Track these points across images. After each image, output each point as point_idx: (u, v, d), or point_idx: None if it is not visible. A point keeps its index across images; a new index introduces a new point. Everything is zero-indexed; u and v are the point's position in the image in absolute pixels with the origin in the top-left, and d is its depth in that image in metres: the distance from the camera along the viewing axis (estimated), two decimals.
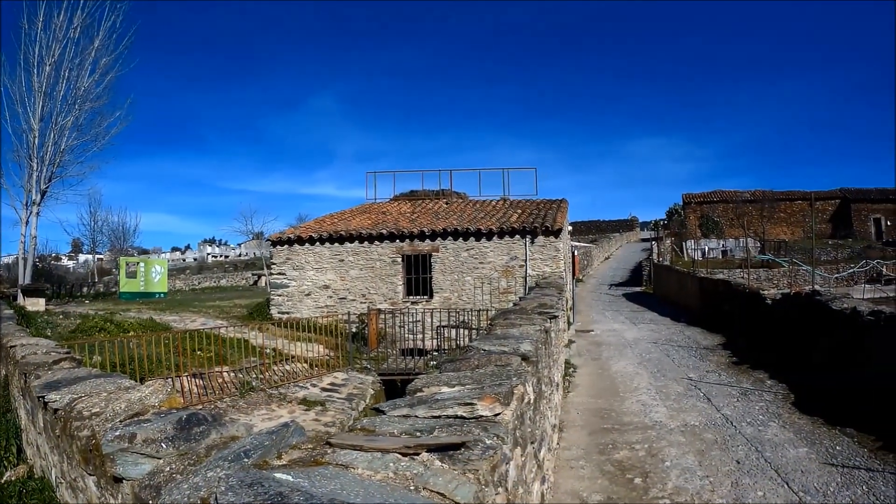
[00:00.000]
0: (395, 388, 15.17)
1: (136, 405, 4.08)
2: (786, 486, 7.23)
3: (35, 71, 29.62)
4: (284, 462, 2.72)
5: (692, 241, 48.02)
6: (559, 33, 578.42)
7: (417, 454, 2.55)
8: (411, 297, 22.29)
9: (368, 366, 17.69)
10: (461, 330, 18.92)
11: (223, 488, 2.19)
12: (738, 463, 8.11)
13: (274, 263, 23.80)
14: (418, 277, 22.40)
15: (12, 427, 8.58)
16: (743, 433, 9.28)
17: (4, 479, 7.49)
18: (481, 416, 3.24)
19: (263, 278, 47.26)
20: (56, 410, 4.81)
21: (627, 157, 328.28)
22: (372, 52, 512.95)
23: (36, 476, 6.89)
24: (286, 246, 23.35)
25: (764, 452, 8.41)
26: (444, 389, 3.82)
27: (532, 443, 4.55)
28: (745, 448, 8.66)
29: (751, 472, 7.77)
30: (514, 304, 12.18)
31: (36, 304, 24.72)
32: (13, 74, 29.85)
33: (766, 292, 17.56)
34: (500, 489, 2.85)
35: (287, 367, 15.37)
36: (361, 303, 22.22)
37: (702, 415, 10.41)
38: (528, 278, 21.07)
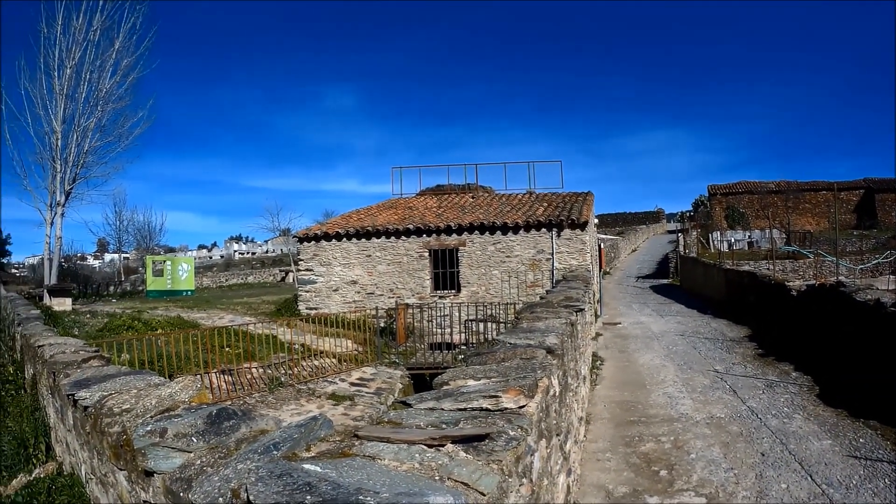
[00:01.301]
0: (423, 381, 15.20)
1: (166, 401, 4.14)
2: (809, 478, 7.20)
3: (55, 74, 29.88)
4: (313, 454, 2.76)
5: (718, 232, 47.61)
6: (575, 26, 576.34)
7: (443, 445, 2.58)
8: (439, 292, 22.34)
9: (397, 360, 17.77)
10: (488, 324, 18.91)
11: (253, 479, 2.24)
12: (763, 455, 8.09)
13: (301, 260, 23.93)
14: (445, 272, 22.45)
15: (41, 425, 8.71)
16: (768, 425, 9.24)
17: (34, 476, 7.62)
18: (506, 409, 3.27)
19: (291, 274, 47.40)
20: (86, 408, 4.88)
21: (652, 149, 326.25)
22: (386, 50, 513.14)
23: (65, 473, 6.99)
24: (313, 242, 23.49)
25: (788, 444, 8.38)
26: (470, 382, 3.85)
27: (557, 435, 4.57)
28: (769, 440, 8.63)
29: (775, 464, 7.75)
30: (541, 298, 12.17)
31: (62, 304, 24.95)
32: (34, 78, 30.12)
33: (791, 283, 17.35)
34: (524, 480, 2.88)
35: (316, 363, 15.47)
36: (389, 298, 22.31)
37: (727, 407, 10.38)
38: (554, 271, 21.06)
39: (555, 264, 21.24)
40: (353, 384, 14.65)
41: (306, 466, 2.29)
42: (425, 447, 2.55)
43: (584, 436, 8.95)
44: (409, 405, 3.44)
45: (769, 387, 11.51)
